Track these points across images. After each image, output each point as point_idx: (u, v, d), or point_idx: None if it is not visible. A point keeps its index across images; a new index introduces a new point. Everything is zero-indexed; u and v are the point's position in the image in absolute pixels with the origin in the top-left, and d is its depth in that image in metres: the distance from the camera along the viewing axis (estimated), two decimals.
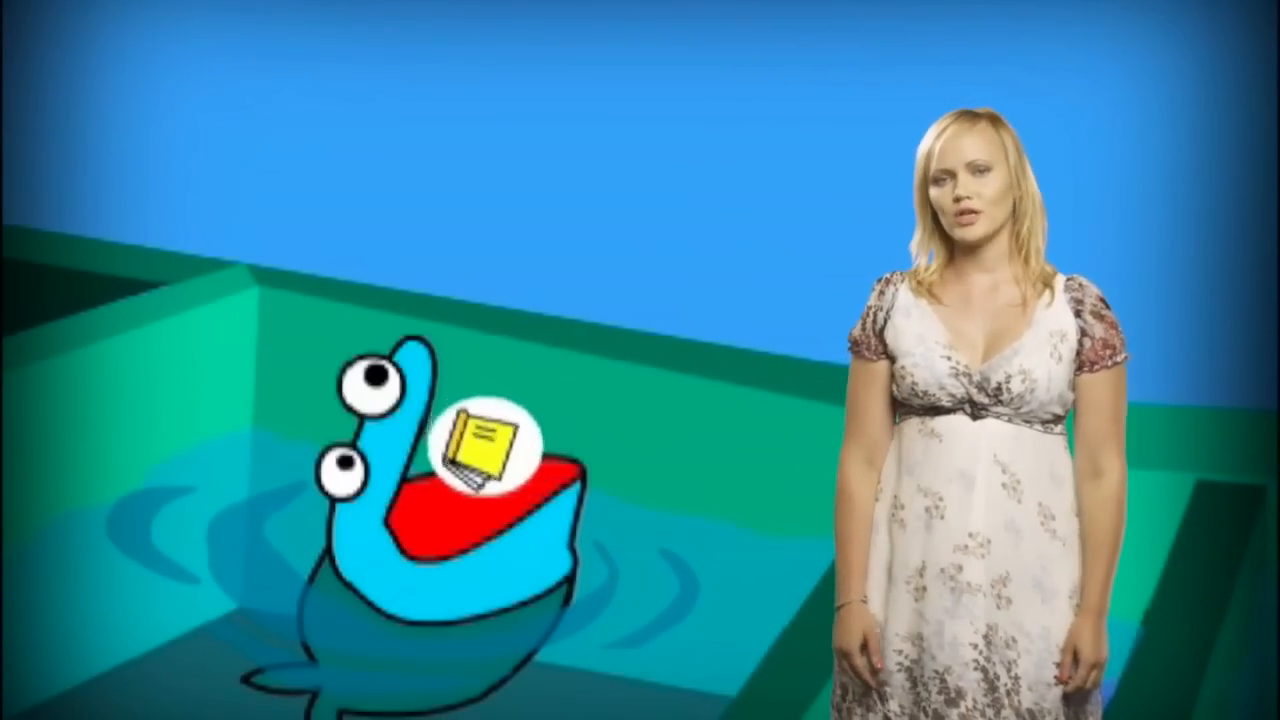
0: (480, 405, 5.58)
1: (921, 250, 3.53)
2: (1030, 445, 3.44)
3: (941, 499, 3.43)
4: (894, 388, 3.50)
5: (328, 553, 5.99)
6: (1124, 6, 5.76)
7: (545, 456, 5.61)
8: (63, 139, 6.58)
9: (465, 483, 5.62)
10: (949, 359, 3.44)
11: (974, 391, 3.43)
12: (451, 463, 5.62)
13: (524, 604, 6.12)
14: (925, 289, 3.50)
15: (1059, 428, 3.47)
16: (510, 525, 5.75)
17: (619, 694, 6.02)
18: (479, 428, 5.58)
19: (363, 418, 5.53)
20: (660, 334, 6.27)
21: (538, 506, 5.92)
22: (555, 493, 5.97)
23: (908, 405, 3.49)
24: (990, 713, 3.40)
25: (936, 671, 3.43)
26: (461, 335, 6.29)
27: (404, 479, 5.62)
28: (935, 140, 3.47)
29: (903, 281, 3.54)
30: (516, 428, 5.60)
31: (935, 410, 3.45)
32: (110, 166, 6.58)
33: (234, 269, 6.53)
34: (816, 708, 5.16)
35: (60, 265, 6.57)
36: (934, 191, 3.47)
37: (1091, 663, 3.41)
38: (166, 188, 6.60)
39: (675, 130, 6.18)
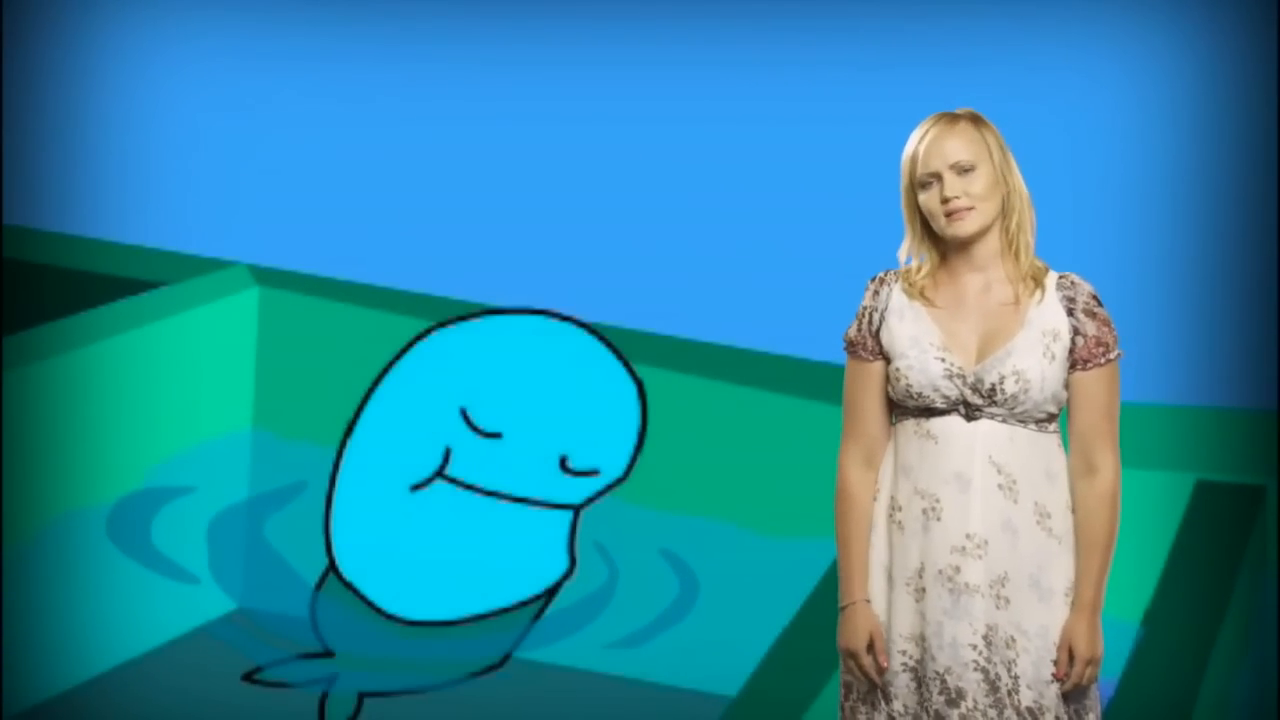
0: None
1: (912, 256, 3.54)
2: (1025, 445, 3.45)
3: (938, 501, 3.44)
4: (889, 388, 3.51)
5: (328, 555, 6.01)
6: (1124, 6, 5.75)
7: None
8: (63, 139, 6.58)
9: None
10: (943, 361, 3.45)
11: (968, 393, 3.44)
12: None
13: (524, 604, 6.13)
14: (918, 291, 3.51)
15: (1053, 426, 3.49)
16: None
17: (619, 694, 6.02)
18: None
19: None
20: (660, 334, 6.27)
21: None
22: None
23: (903, 407, 3.50)
24: (992, 713, 3.41)
25: (937, 672, 3.43)
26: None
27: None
28: (918, 145, 3.48)
29: (896, 282, 3.55)
30: None
31: (930, 412, 3.46)
32: (110, 166, 6.57)
33: (234, 269, 6.53)
34: (816, 708, 5.16)
35: (60, 265, 6.57)
36: (921, 196, 3.48)
37: (1086, 659, 3.43)
38: (167, 188, 6.59)
39: (675, 130, 6.18)
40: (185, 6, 6.55)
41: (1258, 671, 5.65)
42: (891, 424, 3.54)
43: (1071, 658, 3.43)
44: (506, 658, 6.02)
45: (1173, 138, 5.78)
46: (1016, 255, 3.49)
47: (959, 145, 3.45)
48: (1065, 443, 3.51)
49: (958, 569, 3.41)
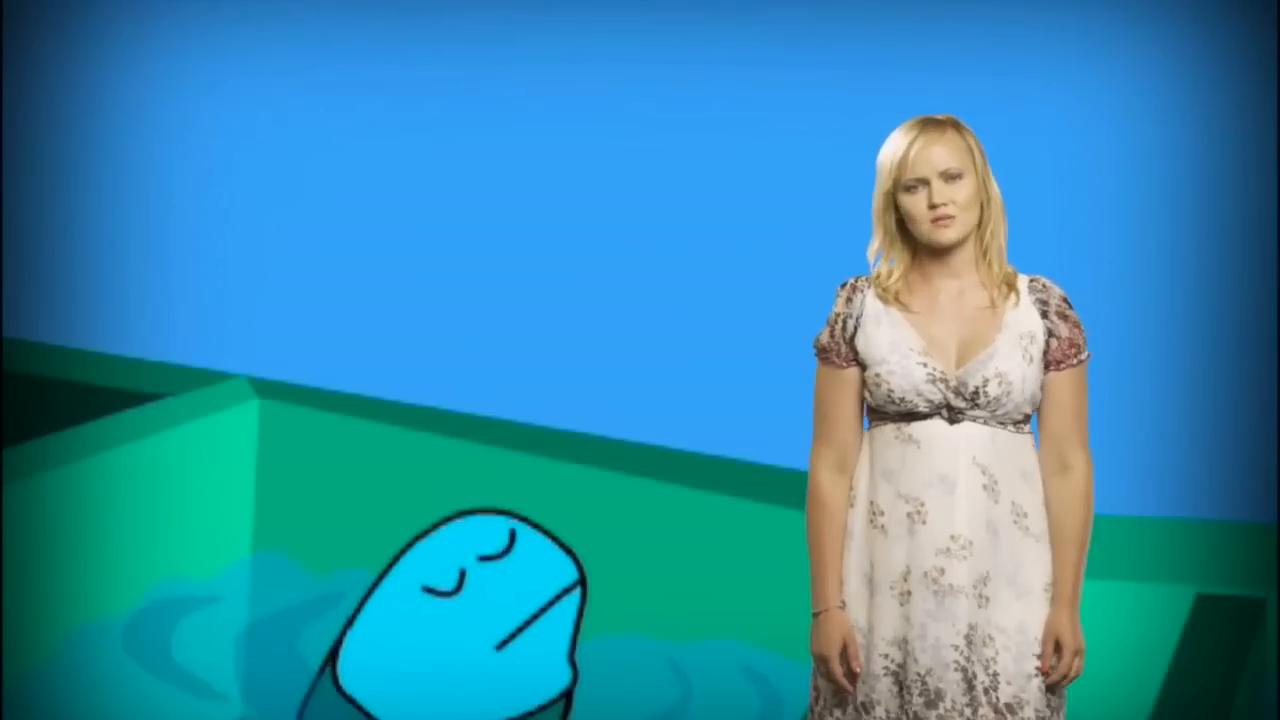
0: None
1: (881, 257, 3.58)
2: (1004, 446, 3.49)
3: (923, 504, 3.46)
4: (866, 395, 3.54)
5: (330, 666, 5.99)
6: (1123, 7, 5.78)
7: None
8: (64, 251, 6.60)
9: None
10: (925, 365, 3.49)
11: (951, 396, 3.47)
12: None
13: (527, 715, 6.12)
14: (892, 296, 3.55)
15: (1027, 427, 3.53)
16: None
17: None
18: None
19: None
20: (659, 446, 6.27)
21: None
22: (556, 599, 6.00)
23: (882, 412, 3.52)
24: (968, 712, 3.43)
25: (919, 674, 3.45)
26: (462, 448, 6.33)
27: None
28: (906, 149, 3.51)
29: (868, 288, 3.59)
30: None
31: (911, 416, 3.49)
32: (112, 279, 6.60)
33: (234, 381, 6.55)
34: None
35: (60, 377, 6.58)
36: (905, 199, 3.51)
37: (1074, 650, 3.47)
38: (161, 302, 6.61)
39: (674, 130, 6.18)
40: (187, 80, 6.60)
41: None
42: (865, 429, 3.57)
43: (1059, 651, 3.46)
44: None
45: (1171, 137, 5.78)
46: (990, 262, 3.54)
47: (948, 153, 3.50)
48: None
49: (943, 570, 3.44)
